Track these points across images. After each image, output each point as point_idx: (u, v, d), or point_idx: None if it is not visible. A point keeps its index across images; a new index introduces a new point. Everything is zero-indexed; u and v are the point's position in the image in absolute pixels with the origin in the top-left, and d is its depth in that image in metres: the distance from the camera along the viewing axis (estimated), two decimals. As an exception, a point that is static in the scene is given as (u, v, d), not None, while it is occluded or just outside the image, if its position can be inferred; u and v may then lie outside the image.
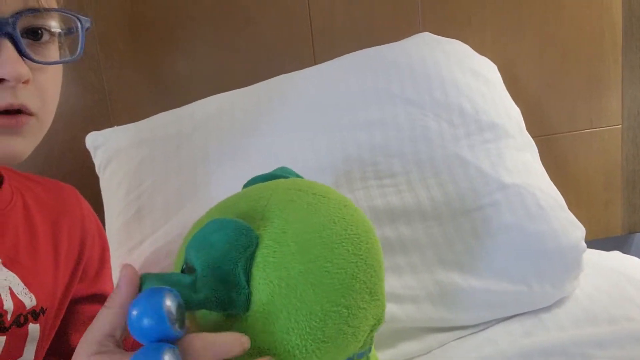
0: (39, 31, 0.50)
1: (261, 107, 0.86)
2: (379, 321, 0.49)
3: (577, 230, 0.80)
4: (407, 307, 0.73)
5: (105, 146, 0.87)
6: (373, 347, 0.55)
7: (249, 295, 0.42)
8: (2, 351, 0.52)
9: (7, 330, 0.53)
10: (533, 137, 0.98)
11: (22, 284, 0.56)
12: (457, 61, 0.89)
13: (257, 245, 0.44)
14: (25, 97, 0.49)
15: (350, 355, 0.48)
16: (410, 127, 0.82)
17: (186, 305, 0.40)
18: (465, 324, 0.75)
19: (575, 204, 1.10)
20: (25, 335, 0.55)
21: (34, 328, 0.57)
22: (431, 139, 0.82)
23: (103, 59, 0.98)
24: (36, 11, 0.48)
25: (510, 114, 0.87)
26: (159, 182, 0.83)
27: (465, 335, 0.75)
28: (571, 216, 0.81)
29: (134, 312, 0.37)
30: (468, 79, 0.87)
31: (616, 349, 0.66)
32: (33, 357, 0.57)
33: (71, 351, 0.68)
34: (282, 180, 0.54)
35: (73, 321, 0.68)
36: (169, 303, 0.37)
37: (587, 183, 1.14)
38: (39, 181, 0.68)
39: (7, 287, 0.55)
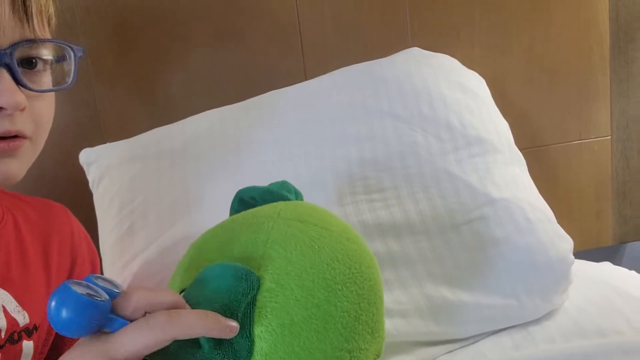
0: (34, 60, 0.52)
1: (252, 122, 0.87)
2: (378, 355, 0.49)
3: (566, 243, 0.80)
4: (397, 322, 0.73)
5: (98, 162, 0.88)
6: None
7: (251, 345, 0.41)
8: None
9: (2, 347, 0.54)
10: (523, 149, 0.99)
11: (15, 302, 0.57)
12: (445, 76, 0.90)
13: (258, 288, 0.42)
14: (21, 123, 0.51)
15: None
16: (399, 142, 0.83)
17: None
18: (455, 338, 0.76)
19: (566, 215, 1.12)
20: (19, 353, 0.56)
21: (27, 345, 0.57)
22: (419, 153, 0.83)
23: (94, 74, 0.99)
24: (32, 42, 0.50)
25: (498, 129, 0.88)
26: (151, 198, 0.83)
27: (456, 349, 0.75)
28: (559, 229, 0.82)
29: (52, 314, 0.36)
30: (456, 93, 0.88)
31: (604, 363, 0.66)
32: None
33: None
34: (282, 205, 0.52)
35: (64, 339, 0.68)
36: (76, 286, 0.36)
37: (578, 194, 1.15)
38: (28, 201, 0.69)
39: (1, 306, 0.56)
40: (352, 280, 0.45)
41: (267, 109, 0.88)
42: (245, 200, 0.58)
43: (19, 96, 0.49)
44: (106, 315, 0.37)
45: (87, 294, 0.36)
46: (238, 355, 0.40)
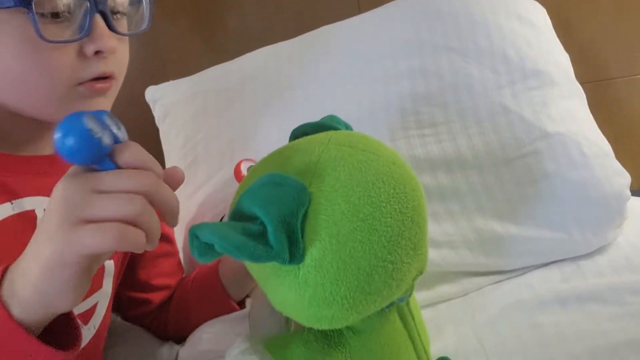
0: (117, 8, 0.57)
1: (306, 58, 0.88)
2: (420, 272, 0.52)
3: (622, 179, 0.79)
4: (445, 252, 0.76)
5: (163, 100, 0.93)
6: (413, 292, 0.59)
7: (303, 250, 0.45)
8: None
9: None
10: (586, 83, 0.96)
11: None
12: (503, 7, 0.87)
13: (309, 202, 0.46)
14: (112, 65, 0.57)
15: (394, 299, 0.52)
16: (453, 76, 0.83)
17: (254, 258, 0.42)
18: (502, 269, 0.78)
19: (629, 151, 1.09)
20: (102, 272, 0.64)
21: (109, 264, 0.65)
22: (474, 87, 0.82)
23: (157, 13, 1.02)
24: None
25: (557, 61, 0.85)
26: (212, 133, 0.88)
27: (502, 280, 0.77)
28: (616, 164, 0.80)
29: (57, 135, 0.38)
30: (513, 24, 0.85)
31: (652, 296, 0.66)
32: (111, 289, 0.65)
33: (139, 284, 0.77)
34: (333, 133, 0.55)
35: (139, 259, 0.76)
36: (89, 119, 0.39)
37: (643, 129, 1.10)
38: None
39: None
40: (395, 199, 0.47)
41: (321, 44, 0.89)
42: (298, 137, 0.60)
43: (113, 40, 0.54)
44: (102, 155, 0.40)
45: (92, 129, 0.38)
46: (295, 258, 0.44)
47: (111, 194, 0.40)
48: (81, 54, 0.54)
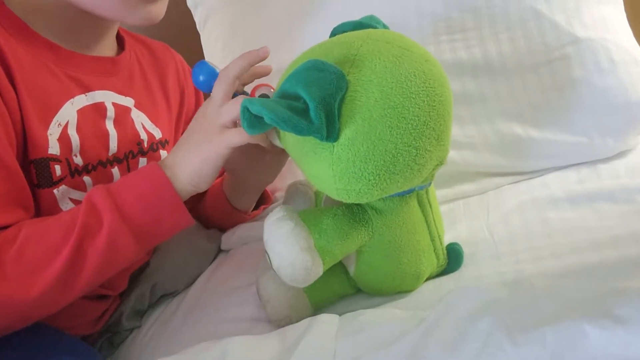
0: None
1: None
2: (441, 162, 0.58)
3: (648, 85, 0.80)
4: (465, 153, 0.80)
5: (203, 5, 0.97)
6: (432, 183, 0.64)
7: (339, 130, 0.51)
8: None
9: (146, 153, 0.71)
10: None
11: (150, 121, 0.73)
12: None
13: (346, 88, 0.51)
14: None
15: (414, 187, 0.58)
16: (487, -20, 0.83)
17: (297, 130, 0.49)
18: (521, 171, 0.82)
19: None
20: (159, 159, 0.72)
21: (163, 153, 0.74)
22: (507, -9, 0.82)
23: None
24: None
25: (594, -36, 0.84)
26: (249, 37, 0.92)
27: (521, 180, 0.81)
28: (644, 71, 0.81)
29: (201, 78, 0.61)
30: None
31: (663, 197, 0.69)
32: None
33: None
34: (372, 30, 0.60)
35: None
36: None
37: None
38: (141, 40, 0.81)
39: (141, 123, 0.72)
40: (425, 92, 0.52)
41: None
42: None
43: None
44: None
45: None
46: (331, 135, 0.50)
47: (230, 104, 0.57)
48: None
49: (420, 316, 0.51)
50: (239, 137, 0.56)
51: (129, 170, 0.68)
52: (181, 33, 1.08)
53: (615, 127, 0.79)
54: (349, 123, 0.50)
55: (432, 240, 0.63)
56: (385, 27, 0.65)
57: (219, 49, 0.94)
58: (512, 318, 0.44)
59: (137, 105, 0.72)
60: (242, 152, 0.61)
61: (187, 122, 0.80)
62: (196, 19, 0.99)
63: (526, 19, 0.81)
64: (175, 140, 0.80)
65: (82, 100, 0.65)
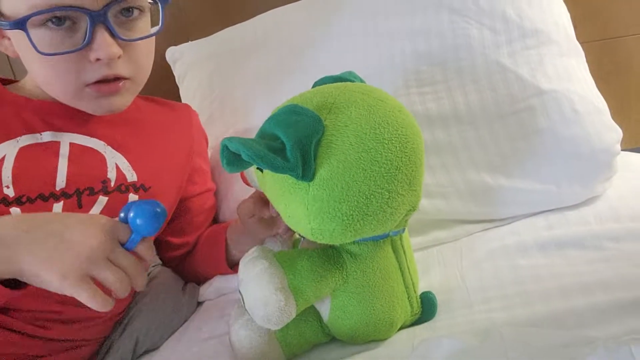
0: (130, 9, 0.64)
1: (315, 19, 0.93)
2: (413, 208, 0.60)
3: (613, 133, 0.82)
4: (437, 202, 0.82)
5: (182, 60, 1.00)
6: (406, 229, 0.66)
7: (314, 170, 0.53)
8: (104, 209, 0.69)
9: (110, 193, 0.71)
10: (594, 41, 0.98)
11: (127, 163, 0.74)
12: (505, -33, 0.89)
13: (323, 133, 0.54)
14: (119, 68, 0.64)
15: (387, 231, 0.60)
16: (453, 36, 0.87)
17: (273, 167, 0.50)
18: (492, 218, 0.83)
19: (637, 108, 1.11)
20: (125, 201, 0.72)
21: (133, 197, 0.73)
22: (473, 46, 0.86)
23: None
24: (121, 1, 0.62)
25: (556, 20, 0.88)
26: (227, 92, 0.95)
27: (492, 227, 0.83)
28: (608, 120, 0.84)
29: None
30: (515, -16, 0.88)
31: (630, 243, 0.70)
32: None
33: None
34: (349, 83, 0.63)
35: (184, 212, 0.85)
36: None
37: (652, 87, 1.12)
38: (158, 100, 0.85)
39: (114, 163, 0.73)
40: (397, 139, 0.55)
41: (329, 5, 0.94)
42: None
43: (114, 48, 0.62)
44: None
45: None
46: (307, 175, 0.52)
47: (115, 269, 0.53)
48: (86, 59, 0.62)
49: (392, 368, 0.51)
50: (87, 297, 0.51)
51: (79, 205, 0.68)
52: (161, 85, 1.10)
53: (582, 174, 0.81)
54: (324, 164, 0.53)
55: (406, 287, 0.64)
56: (362, 81, 0.68)
57: (197, 102, 0.97)
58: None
59: (116, 147, 0.73)
60: (265, 205, 0.62)
61: (196, 183, 0.85)
62: (175, 73, 1.02)
63: (492, 72, 0.85)
64: (173, 188, 0.81)
65: (31, 139, 0.67)
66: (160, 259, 0.91)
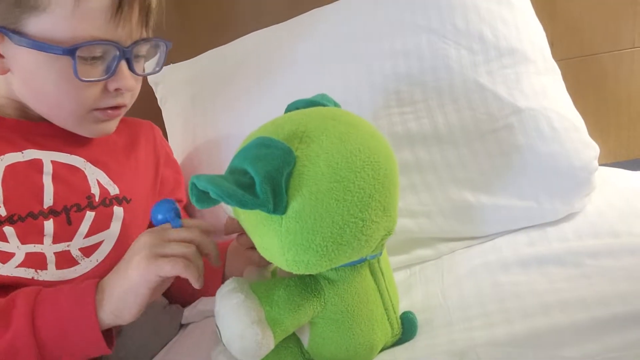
0: (139, 53, 0.72)
1: (295, 40, 0.94)
2: (389, 233, 0.59)
3: (591, 150, 0.84)
4: (421, 221, 0.82)
5: (164, 83, 1.01)
6: (384, 251, 0.66)
7: (286, 203, 0.52)
8: (92, 224, 0.72)
9: (96, 207, 0.73)
10: (572, 58, 1.00)
11: (107, 178, 0.76)
12: (481, -12, 0.91)
13: (294, 164, 0.53)
14: (127, 98, 0.73)
15: (364, 256, 0.59)
16: (432, 57, 0.88)
17: (242, 204, 0.50)
18: (474, 235, 0.84)
19: (615, 125, 1.12)
20: (110, 214, 0.74)
21: (118, 210, 0.75)
22: (451, 67, 0.87)
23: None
24: (147, 40, 0.71)
25: (532, 39, 0.89)
26: (209, 113, 0.95)
27: (474, 245, 0.83)
28: (586, 137, 0.85)
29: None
30: (491, 4, 0.90)
31: (609, 259, 0.71)
32: (119, 231, 0.74)
33: None
34: (321, 108, 0.63)
35: None
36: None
37: (629, 104, 1.13)
38: (122, 120, 0.85)
39: (95, 179, 0.75)
40: (370, 166, 0.54)
41: (308, 27, 0.95)
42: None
43: (132, 81, 0.70)
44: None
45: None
46: (278, 209, 0.52)
47: (176, 242, 0.59)
48: (105, 89, 0.70)
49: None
50: (170, 266, 0.57)
51: (68, 222, 0.70)
52: (145, 107, 1.11)
53: (561, 191, 0.82)
54: (296, 196, 0.52)
55: (386, 309, 0.64)
56: (336, 104, 0.68)
57: (179, 125, 0.97)
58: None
59: (94, 162, 0.76)
60: None
61: (162, 191, 0.87)
62: (157, 95, 1.03)
63: (470, 91, 0.86)
64: (147, 204, 0.82)
65: (14, 157, 0.70)
66: None
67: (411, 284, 0.77)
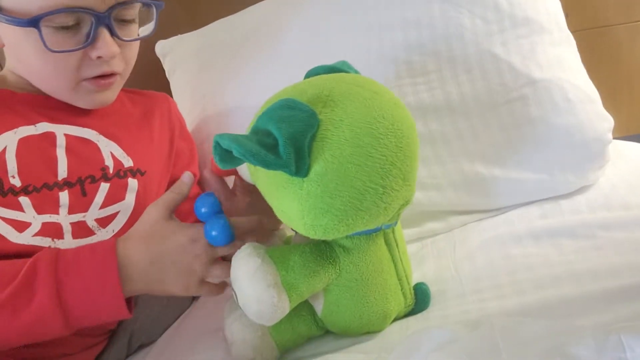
0: (126, 21, 0.69)
1: (304, 10, 0.93)
2: (407, 202, 0.59)
3: (605, 122, 0.83)
4: (431, 194, 0.82)
5: (172, 54, 0.99)
6: (399, 222, 0.65)
7: (308, 166, 0.52)
8: (107, 195, 0.72)
9: (111, 179, 0.74)
10: (585, 30, 0.98)
11: (121, 150, 0.77)
12: (496, -45, 0.89)
13: (318, 127, 0.53)
14: (115, 65, 0.70)
15: (380, 225, 0.60)
16: (445, 26, 0.86)
17: (265, 164, 0.50)
18: (486, 208, 0.83)
19: (628, 97, 1.11)
20: (125, 186, 0.74)
21: (132, 182, 0.76)
22: (465, 36, 0.85)
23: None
24: (124, 4, 0.67)
25: (548, 9, 0.88)
26: (217, 86, 0.94)
27: (486, 218, 0.83)
28: (600, 109, 0.84)
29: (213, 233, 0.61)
30: (506, -27, 0.88)
31: (620, 232, 0.70)
32: (134, 202, 0.75)
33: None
34: (344, 74, 0.62)
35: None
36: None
37: (642, 75, 1.12)
38: (135, 91, 0.88)
39: (109, 151, 0.75)
40: (393, 134, 0.54)
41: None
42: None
43: (114, 48, 0.67)
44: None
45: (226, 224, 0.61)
46: (301, 171, 0.52)
47: (219, 264, 0.62)
48: (86, 57, 0.67)
49: (383, 359, 0.51)
50: (209, 292, 0.63)
51: (83, 193, 0.70)
52: (151, 79, 1.10)
53: (575, 163, 0.81)
54: (318, 159, 0.52)
55: (400, 279, 0.64)
56: (356, 72, 0.68)
57: (187, 96, 0.96)
58: (471, 357, 0.44)
59: (107, 135, 0.76)
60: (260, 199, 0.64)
61: (177, 163, 0.86)
62: (165, 67, 1.01)
63: (484, 61, 0.84)
64: (162, 177, 0.82)
65: (27, 130, 0.70)
66: None
67: (423, 256, 0.77)
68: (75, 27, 0.65)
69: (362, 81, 0.59)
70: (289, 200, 0.54)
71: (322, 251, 0.60)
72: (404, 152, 0.55)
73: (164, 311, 0.80)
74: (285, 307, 0.55)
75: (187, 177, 0.65)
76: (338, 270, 0.60)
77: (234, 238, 0.61)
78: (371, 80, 0.60)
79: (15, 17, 0.63)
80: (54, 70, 0.67)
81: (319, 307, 0.62)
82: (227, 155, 0.53)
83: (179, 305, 0.83)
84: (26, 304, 0.55)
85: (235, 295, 0.57)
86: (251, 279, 0.55)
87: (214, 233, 0.60)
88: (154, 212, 0.62)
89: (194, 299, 0.86)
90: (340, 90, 0.56)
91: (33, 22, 0.62)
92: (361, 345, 0.61)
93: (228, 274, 0.59)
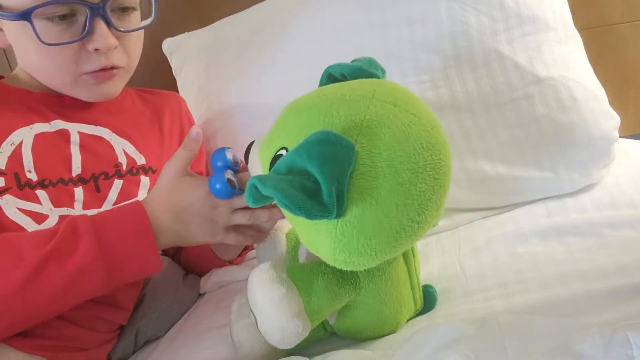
0: (125, 9, 0.69)
1: (310, 8, 0.92)
2: (434, 225, 0.56)
3: (611, 121, 0.83)
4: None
5: (179, 52, 1.00)
6: None
7: (344, 206, 0.48)
8: (120, 191, 0.73)
9: (124, 176, 0.75)
10: (591, 28, 0.97)
11: (134, 148, 0.78)
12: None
13: (355, 161, 0.48)
14: (114, 58, 0.69)
15: None
16: (451, 24, 0.86)
17: (309, 215, 0.46)
18: (491, 206, 0.83)
19: (634, 95, 1.11)
20: (138, 183, 0.76)
21: (144, 179, 0.77)
22: (471, 34, 0.85)
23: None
24: None
25: (554, 6, 0.87)
26: (224, 84, 0.94)
27: (491, 216, 0.83)
28: (606, 107, 0.84)
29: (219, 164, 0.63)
30: (512, -29, 0.87)
31: (627, 230, 0.71)
32: None
33: None
34: (377, 86, 0.55)
35: None
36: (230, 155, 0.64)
37: (648, 74, 1.11)
38: (147, 90, 0.88)
39: (122, 149, 0.76)
40: (432, 165, 0.51)
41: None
42: (334, 76, 0.62)
43: (111, 39, 0.66)
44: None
45: (229, 179, 0.62)
46: (339, 214, 0.48)
47: (241, 212, 0.64)
48: (83, 50, 0.67)
49: (390, 356, 0.52)
50: (237, 240, 0.66)
51: (97, 189, 0.72)
52: (158, 76, 1.10)
53: (580, 162, 0.81)
54: (357, 200, 0.48)
55: (412, 288, 0.64)
56: (383, 71, 0.64)
57: (194, 94, 0.97)
58: (477, 355, 0.45)
59: (119, 133, 0.77)
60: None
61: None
62: (172, 65, 1.02)
63: (490, 60, 0.84)
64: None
65: (42, 127, 0.71)
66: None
67: (427, 253, 0.77)
68: (70, 19, 0.65)
69: (397, 98, 0.54)
70: (321, 236, 0.51)
71: (344, 272, 0.57)
72: (441, 183, 0.52)
73: (170, 307, 0.81)
74: (307, 333, 0.54)
75: (194, 133, 0.64)
76: (358, 290, 0.58)
77: (238, 192, 0.63)
78: (405, 94, 0.55)
79: (12, 12, 0.63)
80: (51, 64, 0.68)
81: (332, 319, 0.62)
82: (262, 198, 0.48)
83: (185, 302, 0.83)
84: (71, 253, 0.57)
85: (255, 319, 0.55)
86: (276, 309, 0.52)
87: (217, 186, 0.62)
88: (170, 170, 0.64)
89: (199, 296, 0.86)
90: (376, 112, 0.51)
91: (25, 15, 0.62)
92: (367, 342, 0.61)
93: (251, 220, 0.63)
